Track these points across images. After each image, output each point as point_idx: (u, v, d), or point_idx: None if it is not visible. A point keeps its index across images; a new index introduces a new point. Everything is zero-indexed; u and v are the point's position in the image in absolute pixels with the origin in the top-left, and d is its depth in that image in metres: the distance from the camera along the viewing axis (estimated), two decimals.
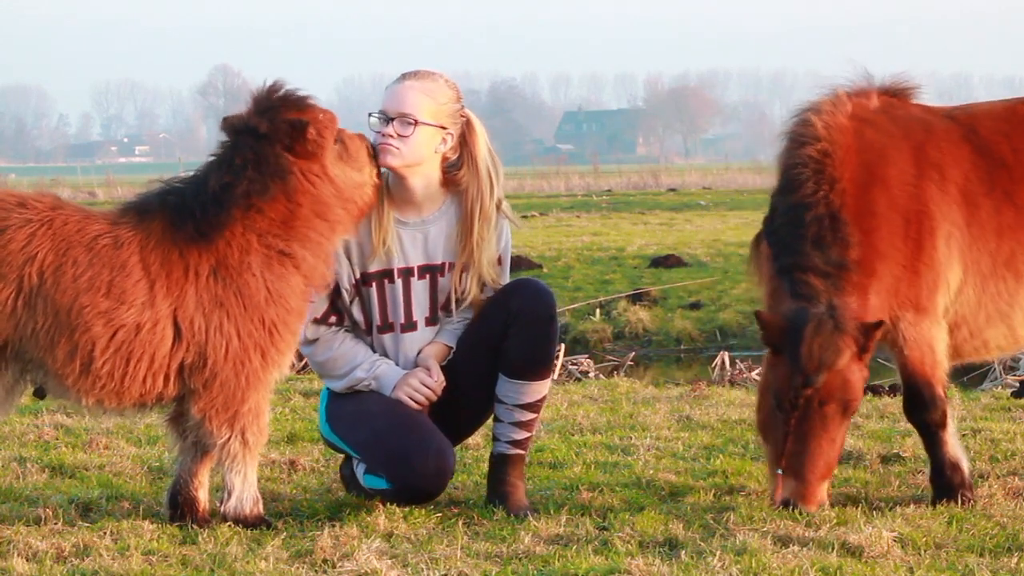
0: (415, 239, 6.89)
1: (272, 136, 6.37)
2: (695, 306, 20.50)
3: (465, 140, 6.89)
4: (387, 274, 6.88)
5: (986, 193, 6.94)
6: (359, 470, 6.83)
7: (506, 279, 7.01)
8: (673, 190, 54.00)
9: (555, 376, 13.09)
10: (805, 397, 6.48)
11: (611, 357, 16.61)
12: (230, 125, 6.43)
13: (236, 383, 6.34)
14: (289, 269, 6.39)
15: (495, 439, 6.93)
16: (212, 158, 6.45)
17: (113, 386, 6.29)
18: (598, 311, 20.20)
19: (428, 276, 6.90)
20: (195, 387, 6.35)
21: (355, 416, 6.84)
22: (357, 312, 6.90)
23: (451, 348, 6.91)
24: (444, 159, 6.88)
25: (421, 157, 6.81)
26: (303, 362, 13.62)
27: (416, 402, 6.80)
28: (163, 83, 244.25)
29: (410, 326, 6.92)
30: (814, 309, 6.49)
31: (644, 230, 32.29)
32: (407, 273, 6.89)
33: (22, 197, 6.37)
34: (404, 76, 6.87)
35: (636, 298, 20.67)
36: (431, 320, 6.94)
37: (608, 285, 22.19)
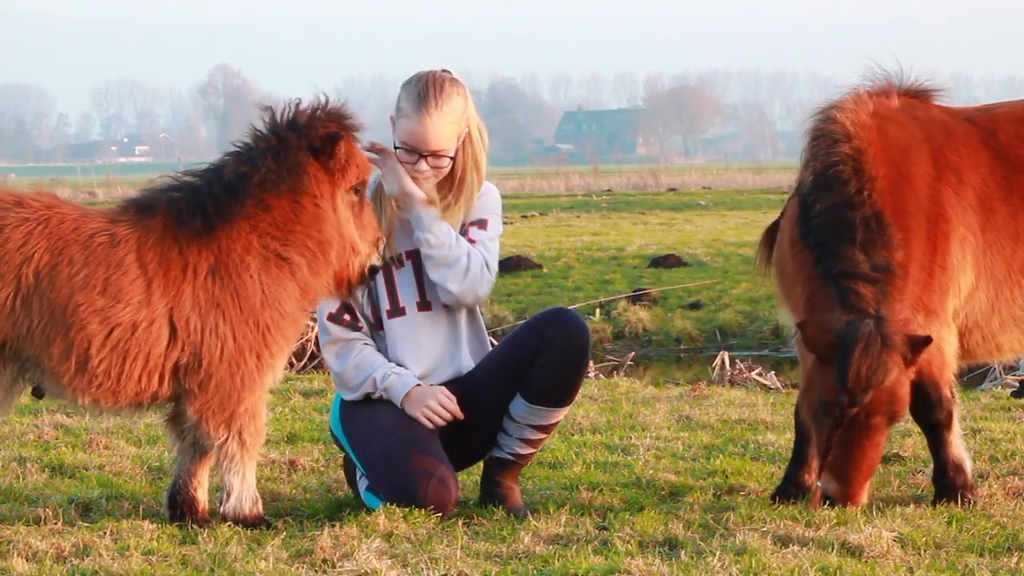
0: (404, 224, 6.83)
1: (303, 133, 6.36)
2: (695, 306, 20.49)
3: (467, 122, 6.85)
4: (395, 260, 6.81)
5: (1003, 199, 6.91)
6: (361, 484, 6.81)
7: (490, 235, 6.87)
8: (673, 190, 54.00)
9: None
10: (850, 416, 6.48)
11: (611, 357, 16.59)
12: (271, 112, 6.43)
13: (232, 384, 6.34)
14: (285, 274, 6.38)
15: (497, 446, 6.90)
16: (233, 148, 6.46)
17: (109, 384, 6.28)
18: (598, 311, 20.20)
19: (411, 261, 6.84)
20: (190, 387, 6.34)
21: (368, 427, 6.79)
22: (365, 303, 6.85)
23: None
24: None
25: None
26: (303, 362, 13.62)
27: (433, 423, 6.76)
28: (163, 83, 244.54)
29: (425, 305, 6.85)
30: (864, 327, 6.41)
31: (644, 230, 32.28)
32: (415, 254, 6.82)
33: (20, 196, 6.37)
34: (424, 107, 6.71)
35: (636, 298, 20.66)
36: (422, 305, 6.87)
37: (608, 285, 22.18)
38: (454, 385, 6.84)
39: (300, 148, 6.35)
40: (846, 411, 6.45)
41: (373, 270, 6.57)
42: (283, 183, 6.33)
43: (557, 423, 6.95)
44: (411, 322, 6.87)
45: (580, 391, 11.02)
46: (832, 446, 6.50)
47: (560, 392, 6.80)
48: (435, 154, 6.75)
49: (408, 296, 6.86)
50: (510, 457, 6.88)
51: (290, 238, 6.37)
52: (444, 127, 6.72)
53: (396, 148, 6.79)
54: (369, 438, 6.77)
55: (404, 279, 6.86)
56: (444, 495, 6.58)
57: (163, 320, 6.28)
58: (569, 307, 19.75)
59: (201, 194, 6.34)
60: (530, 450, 6.90)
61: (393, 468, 6.64)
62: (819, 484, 6.59)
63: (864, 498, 6.60)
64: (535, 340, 6.75)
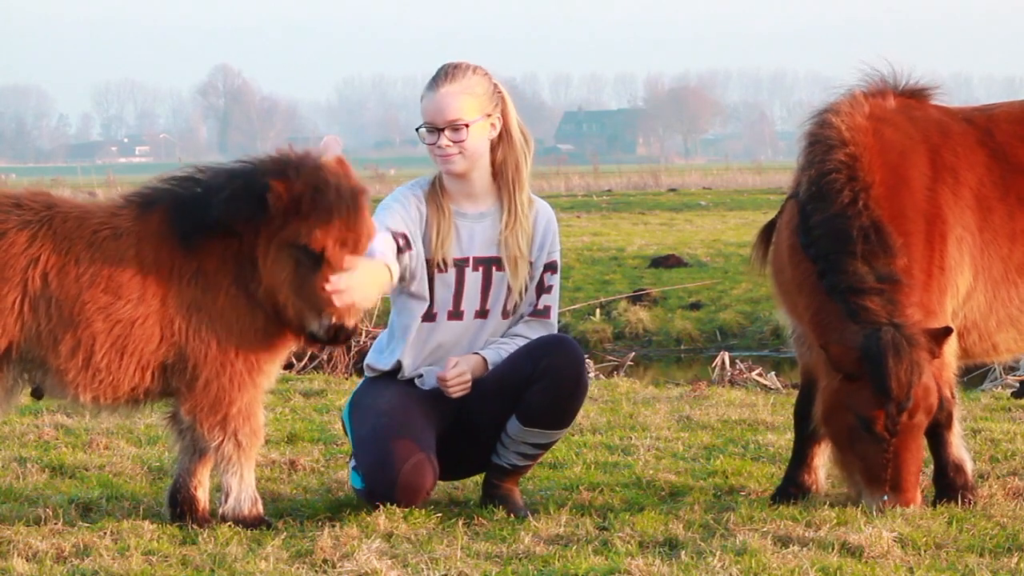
0: (472, 231, 6.90)
1: (263, 175, 6.30)
2: (695, 306, 20.49)
3: (503, 114, 6.91)
4: (440, 264, 6.87)
5: (1000, 198, 6.91)
6: (351, 464, 6.85)
7: (558, 277, 7.00)
8: (673, 190, 53.95)
9: None
10: (901, 421, 6.48)
11: (611, 357, 16.59)
12: (286, 146, 6.42)
13: (220, 385, 6.34)
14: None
15: (496, 454, 6.90)
16: (237, 162, 6.47)
17: (110, 380, 6.31)
18: (598, 311, 20.19)
19: (482, 268, 6.90)
20: (179, 387, 6.36)
21: (369, 409, 6.83)
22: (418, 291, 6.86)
23: (487, 364, 6.85)
24: (491, 142, 6.91)
25: (480, 152, 6.84)
26: (303, 362, 13.62)
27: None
28: (163, 83, 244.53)
29: (456, 315, 6.90)
30: (885, 335, 6.41)
31: (644, 230, 32.26)
32: (462, 263, 6.89)
33: (17, 197, 6.39)
34: (437, 83, 6.83)
35: (636, 298, 20.65)
36: (480, 313, 6.91)
37: (608, 285, 22.17)
38: (453, 400, 6.84)
39: (260, 186, 6.27)
40: (898, 421, 6.45)
41: (311, 335, 6.37)
42: (245, 212, 6.27)
43: (555, 441, 6.96)
44: (441, 327, 6.92)
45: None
46: (890, 458, 6.48)
47: (555, 418, 6.81)
48: (452, 126, 6.77)
49: (441, 303, 6.89)
50: (508, 467, 6.89)
51: (253, 263, 6.33)
52: (457, 97, 6.78)
53: (418, 130, 6.86)
54: (365, 418, 6.80)
55: (442, 283, 6.88)
56: (418, 480, 6.59)
57: (155, 318, 6.31)
58: (569, 307, 19.79)
59: (196, 197, 6.35)
60: (528, 462, 6.92)
61: (377, 446, 6.66)
62: (885, 498, 6.53)
63: (920, 498, 6.59)
64: (530, 368, 6.76)
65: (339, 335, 6.33)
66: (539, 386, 6.73)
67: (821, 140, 6.81)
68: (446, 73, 6.85)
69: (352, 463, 6.83)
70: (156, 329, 6.31)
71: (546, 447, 6.93)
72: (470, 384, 6.79)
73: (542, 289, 6.98)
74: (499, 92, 6.90)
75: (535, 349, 6.81)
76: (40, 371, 6.36)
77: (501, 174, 6.92)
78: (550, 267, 7.00)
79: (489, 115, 6.85)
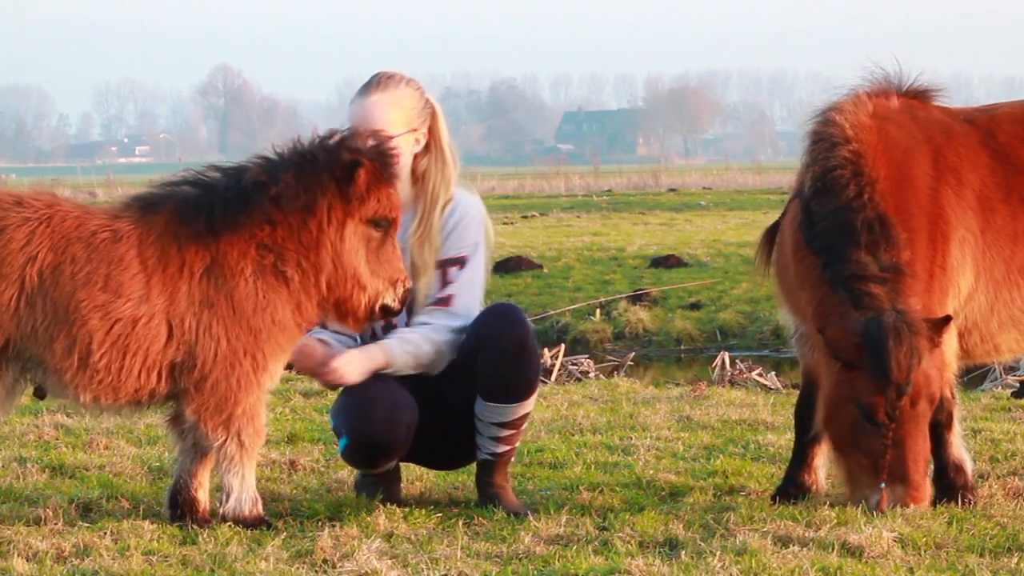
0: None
1: (328, 156, 6.34)
2: (695, 306, 20.48)
3: (431, 128, 6.93)
4: None
5: (1002, 199, 6.92)
6: (340, 440, 6.91)
7: (468, 276, 6.91)
8: (673, 190, 53.98)
9: (555, 377, 13.08)
10: (902, 407, 6.47)
11: (611, 357, 16.58)
12: (298, 138, 6.42)
13: (227, 385, 6.34)
14: (281, 284, 6.36)
15: (477, 447, 6.91)
16: (262, 155, 6.45)
17: (110, 380, 6.29)
18: (598, 311, 20.19)
19: None
20: (187, 387, 6.35)
21: (343, 394, 6.90)
22: None
23: (391, 353, 6.77)
24: (415, 155, 6.92)
25: (401, 165, 6.79)
26: None
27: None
28: (163, 83, 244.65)
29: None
30: (887, 318, 6.42)
31: (644, 230, 32.25)
32: None
33: (19, 196, 6.39)
34: (368, 90, 6.86)
35: (636, 298, 20.65)
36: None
37: (608, 285, 22.17)
38: (420, 380, 6.85)
39: (321, 171, 6.33)
40: (897, 405, 6.44)
41: (386, 309, 6.48)
42: (296, 202, 6.31)
43: (522, 418, 6.90)
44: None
45: (580, 391, 11.09)
46: (889, 445, 6.47)
47: (505, 389, 6.79)
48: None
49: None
50: (489, 457, 6.90)
51: (286, 254, 6.35)
52: (385, 107, 6.81)
53: None
54: (340, 396, 6.91)
55: None
56: (395, 414, 6.67)
57: (161, 317, 6.30)
58: (569, 307, 19.78)
59: (214, 194, 6.35)
60: (505, 447, 6.90)
61: (352, 399, 6.76)
62: (883, 485, 6.52)
63: (930, 492, 6.58)
64: (473, 338, 6.79)
65: (407, 298, 6.55)
66: (482, 356, 6.75)
67: (825, 137, 6.81)
68: (377, 82, 6.87)
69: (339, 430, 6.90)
70: (163, 328, 6.30)
71: (514, 426, 6.87)
72: (345, 374, 6.72)
73: (445, 280, 6.90)
74: (429, 106, 6.91)
75: (477, 320, 6.83)
76: (40, 370, 6.36)
77: (421, 183, 6.91)
78: (457, 262, 6.90)
79: (415, 129, 6.86)
